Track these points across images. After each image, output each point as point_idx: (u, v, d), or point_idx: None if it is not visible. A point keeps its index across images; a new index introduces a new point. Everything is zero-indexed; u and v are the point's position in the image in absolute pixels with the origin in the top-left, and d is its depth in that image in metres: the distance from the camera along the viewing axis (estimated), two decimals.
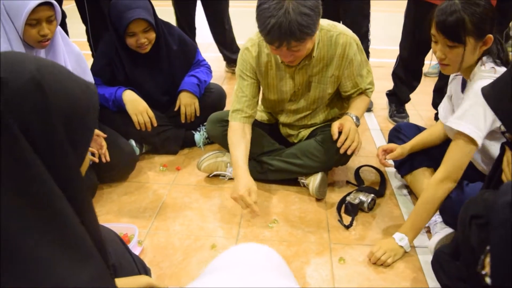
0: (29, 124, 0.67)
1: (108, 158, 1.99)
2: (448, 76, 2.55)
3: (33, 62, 0.72)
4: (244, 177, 1.85)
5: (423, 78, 2.93)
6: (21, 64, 0.71)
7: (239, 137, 1.97)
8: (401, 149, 1.93)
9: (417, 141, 1.95)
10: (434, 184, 1.63)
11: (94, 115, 0.79)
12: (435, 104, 2.76)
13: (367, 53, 2.96)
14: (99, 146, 2.00)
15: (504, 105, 1.15)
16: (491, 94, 1.19)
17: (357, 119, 2.01)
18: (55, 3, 1.81)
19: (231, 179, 2.22)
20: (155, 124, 2.32)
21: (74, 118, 0.73)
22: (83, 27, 3.12)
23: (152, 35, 2.23)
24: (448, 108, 1.89)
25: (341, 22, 2.78)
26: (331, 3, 2.70)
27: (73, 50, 2.08)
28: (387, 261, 1.67)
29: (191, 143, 2.55)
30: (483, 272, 0.81)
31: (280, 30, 1.61)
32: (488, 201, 1.13)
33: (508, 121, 1.16)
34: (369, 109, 3.06)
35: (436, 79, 3.60)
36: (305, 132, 2.22)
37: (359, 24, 2.86)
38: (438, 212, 1.77)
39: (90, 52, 3.11)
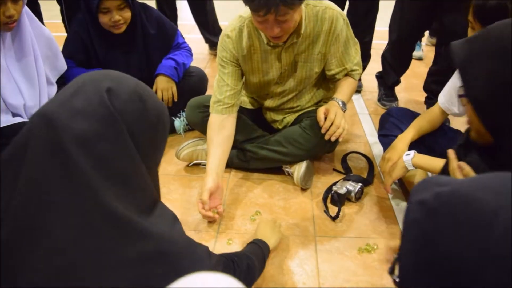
0: (134, 128, 0.82)
1: None
2: (445, 60, 2.46)
3: (131, 77, 0.90)
4: (206, 181, 1.74)
5: (412, 60, 2.82)
6: (123, 78, 0.88)
7: (216, 133, 1.85)
8: (403, 164, 1.72)
9: (417, 132, 1.82)
10: None
11: (167, 128, 0.98)
12: (428, 88, 2.65)
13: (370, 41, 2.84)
14: None
15: (473, 68, 1.03)
16: (462, 53, 1.06)
17: (344, 104, 1.91)
18: None
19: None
20: None
21: (160, 126, 0.90)
22: (58, 8, 2.96)
23: (128, 14, 2.08)
24: (455, 101, 1.76)
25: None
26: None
27: (43, 33, 1.94)
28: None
29: (171, 130, 2.42)
30: (394, 277, 0.73)
31: None
32: None
33: (471, 85, 1.04)
34: (357, 91, 2.95)
35: (420, 62, 3.53)
36: (290, 118, 2.11)
37: (369, 16, 2.72)
38: None
39: (65, 34, 2.95)
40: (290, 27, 1.65)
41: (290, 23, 1.62)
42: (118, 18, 2.05)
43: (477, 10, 1.36)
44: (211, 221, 1.76)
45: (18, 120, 1.81)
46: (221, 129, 1.86)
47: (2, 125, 1.76)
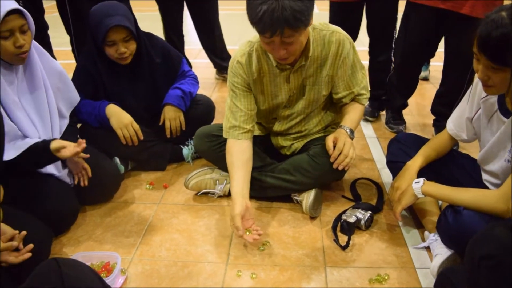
0: None
1: (86, 183, 1.88)
2: (452, 81, 2.46)
3: None
4: (234, 206, 1.75)
5: (420, 82, 2.81)
6: None
7: (236, 157, 1.86)
8: (412, 192, 1.70)
9: (426, 159, 1.81)
10: (493, 197, 1.48)
11: None
12: (436, 111, 2.65)
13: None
14: (79, 169, 1.89)
15: None
16: None
17: (352, 132, 1.91)
18: (25, 11, 1.71)
19: (220, 196, 2.12)
20: (141, 137, 2.21)
21: None
22: (67, 36, 3.01)
23: (133, 45, 2.11)
24: (464, 127, 1.75)
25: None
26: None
27: (53, 66, 1.97)
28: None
29: (180, 158, 2.44)
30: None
31: (273, 15, 1.50)
32: (500, 240, 1.01)
33: None
34: (367, 119, 2.95)
35: (427, 84, 3.52)
36: (298, 145, 2.11)
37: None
38: (436, 231, 1.68)
39: (75, 62, 2.99)
40: (296, 49, 1.67)
41: (295, 45, 1.64)
42: (124, 50, 2.08)
43: (481, 41, 1.33)
44: (254, 242, 1.74)
45: (33, 141, 1.79)
46: (240, 152, 1.87)
47: (21, 151, 1.76)
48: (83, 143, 1.79)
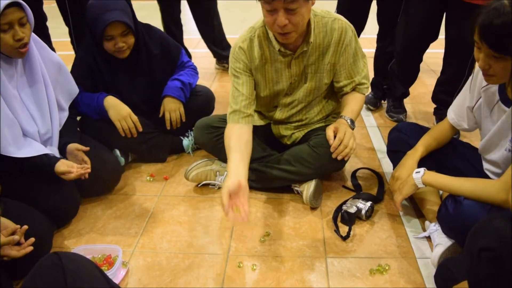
0: None
1: (86, 176, 1.88)
2: (453, 69, 2.44)
3: None
4: (226, 179, 1.63)
5: (421, 70, 2.79)
6: None
7: (234, 141, 1.81)
8: (413, 182, 1.70)
9: (426, 148, 1.81)
10: (494, 186, 1.46)
11: None
12: (437, 99, 2.63)
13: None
14: (79, 162, 1.89)
15: None
16: None
17: (352, 122, 1.91)
18: (24, 4, 1.69)
19: (221, 188, 2.12)
20: (140, 129, 2.20)
21: None
22: (67, 27, 2.99)
23: (131, 40, 2.10)
24: (464, 116, 1.74)
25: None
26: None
27: (53, 60, 1.96)
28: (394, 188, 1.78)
29: (180, 149, 2.44)
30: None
31: None
32: (500, 231, 1.01)
33: None
34: (369, 108, 2.94)
35: (428, 71, 3.50)
36: (298, 134, 2.11)
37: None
38: (437, 221, 1.68)
39: (74, 53, 2.98)
40: (298, 21, 1.64)
41: (298, 16, 1.62)
42: (122, 45, 2.07)
43: (482, 30, 1.32)
44: (240, 221, 1.53)
45: (41, 151, 1.80)
46: (239, 136, 1.82)
47: (26, 155, 1.76)
48: (88, 168, 1.83)
